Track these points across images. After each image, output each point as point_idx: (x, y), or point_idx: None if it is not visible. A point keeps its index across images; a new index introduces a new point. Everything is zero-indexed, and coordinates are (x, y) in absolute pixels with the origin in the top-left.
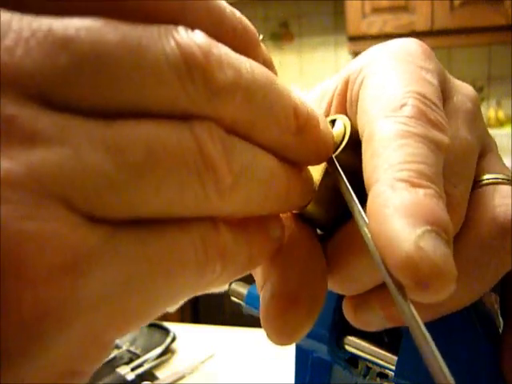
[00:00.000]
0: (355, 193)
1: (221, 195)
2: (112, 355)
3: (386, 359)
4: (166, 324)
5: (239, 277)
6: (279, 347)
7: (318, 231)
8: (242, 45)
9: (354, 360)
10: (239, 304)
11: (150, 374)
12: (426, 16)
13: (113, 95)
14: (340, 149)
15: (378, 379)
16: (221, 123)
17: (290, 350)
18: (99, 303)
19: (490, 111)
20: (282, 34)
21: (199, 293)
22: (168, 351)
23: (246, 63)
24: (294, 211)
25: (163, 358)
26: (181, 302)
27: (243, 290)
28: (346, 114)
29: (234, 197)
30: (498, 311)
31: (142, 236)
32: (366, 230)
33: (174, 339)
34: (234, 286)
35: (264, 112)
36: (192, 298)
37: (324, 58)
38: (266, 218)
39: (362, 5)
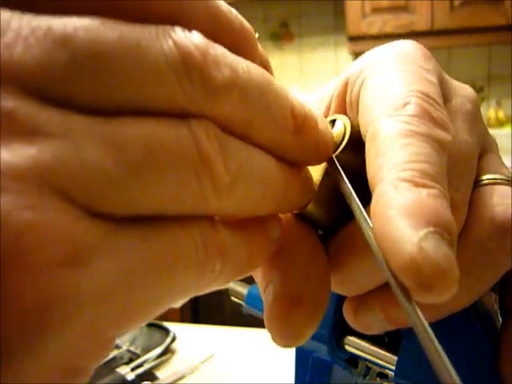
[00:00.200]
0: (356, 193)
1: (218, 193)
2: (112, 355)
3: (386, 359)
4: (166, 324)
5: (238, 278)
6: (279, 347)
7: (319, 232)
8: (240, 44)
9: (354, 360)
10: (239, 304)
11: (149, 374)
12: (426, 16)
13: (112, 93)
14: (340, 149)
15: (378, 379)
16: (217, 122)
17: (290, 350)
18: (100, 298)
19: (489, 111)
20: (282, 34)
21: (198, 293)
22: (168, 351)
23: (242, 63)
24: (294, 211)
25: (163, 358)
26: (181, 302)
27: (243, 289)
28: (346, 115)
29: (231, 195)
30: (498, 311)
31: (142, 233)
32: (368, 230)
33: (173, 339)
34: (233, 285)
35: (261, 112)
36: (192, 298)
37: (324, 58)
38: (265, 219)
39: (361, 5)
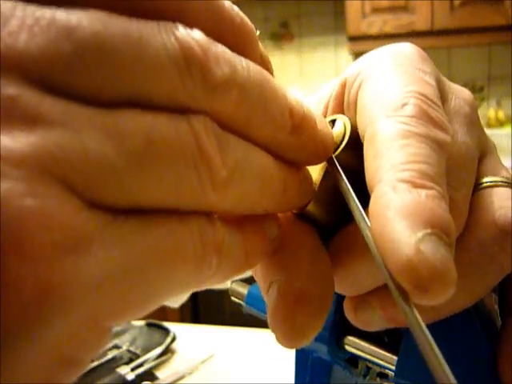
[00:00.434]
0: (356, 193)
1: (216, 189)
2: (112, 355)
3: (386, 359)
4: (166, 324)
5: (235, 278)
6: (279, 347)
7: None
8: (241, 42)
9: (354, 360)
10: (239, 304)
11: (149, 374)
12: (426, 16)
13: (114, 85)
14: (340, 149)
15: (378, 379)
16: (216, 118)
17: (290, 350)
18: (99, 287)
19: (489, 111)
20: (282, 34)
21: (196, 289)
22: (168, 351)
23: (242, 62)
24: (294, 211)
25: (163, 357)
26: (180, 302)
27: (243, 289)
28: None
29: (229, 191)
30: (498, 311)
31: (141, 225)
32: (367, 231)
33: (174, 339)
34: (233, 285)
35: (259, 110)
36: (192, 298)
37: (324, 58)
38: (263, 218)
39: (361, 5)
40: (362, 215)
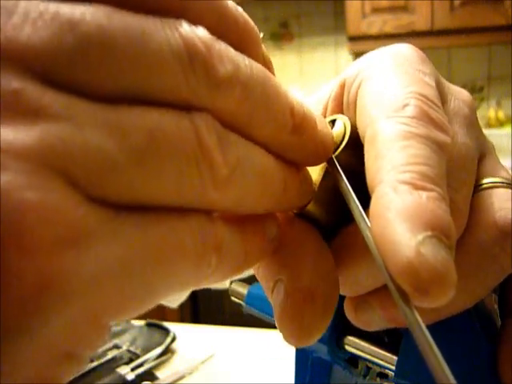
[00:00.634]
0: (356, 193)
1: (217, 186)
2: (112, 355)
3: (386, 359)
4: (166, 324)
5: (235, 277)
6: (279, 347)
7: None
8: (244, 41)
9: (354, 360)
10: (239, 304)
11: (149, 374)
12: (426, 16)
13: (116, 80)
14: (340, 149)
15: (378, 379)
16: (218, 116)
17: (290, 350)
18: (98, 281)
19: (489, 111)
20: (282, 34)
21: (194, 287)
22: (168, 351)
23: (245, 60)
24: (294, 211)
25: (163, 357)
26: (179, 302)
27: (243, 289)
28: None
29: (229, 190)
30: (498, 311)
31: (142, 221)
32: (367, 232)
33: (173, 339)
34: (234, 285)
35: (261, 108)
36: (192, 298)
37: (324, 58)
38: (263, 218)
39: (361, 5)
40: (362, 216)
